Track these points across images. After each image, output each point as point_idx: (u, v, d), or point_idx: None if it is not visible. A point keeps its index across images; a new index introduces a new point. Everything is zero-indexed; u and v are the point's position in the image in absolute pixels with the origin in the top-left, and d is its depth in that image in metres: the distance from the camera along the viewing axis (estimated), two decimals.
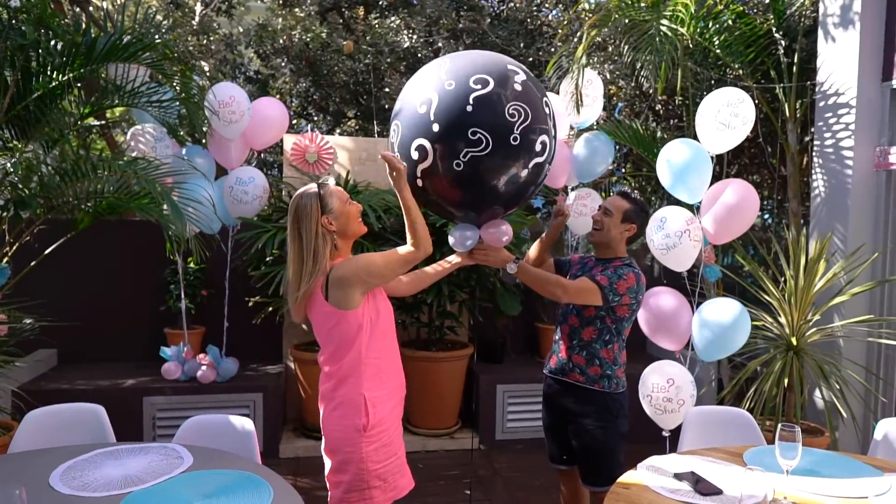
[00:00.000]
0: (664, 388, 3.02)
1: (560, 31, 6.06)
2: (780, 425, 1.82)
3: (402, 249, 2.04)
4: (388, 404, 2.06)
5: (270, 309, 4.36)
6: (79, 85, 3.58)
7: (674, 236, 3.05)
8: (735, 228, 3.09)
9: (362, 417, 1.98)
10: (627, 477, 2.01)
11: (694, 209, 3.24)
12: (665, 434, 3.10)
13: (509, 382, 4.53)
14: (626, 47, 4.39)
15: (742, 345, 3.05)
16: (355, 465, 1.99)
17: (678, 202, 3.32)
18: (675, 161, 3.17)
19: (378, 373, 2.04)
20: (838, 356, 3.84)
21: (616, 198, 2.61)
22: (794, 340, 3.53)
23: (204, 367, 4.11)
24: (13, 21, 3.20)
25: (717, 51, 4.29)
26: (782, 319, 3.61)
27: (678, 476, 1.99)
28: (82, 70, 3.39)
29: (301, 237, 2.01)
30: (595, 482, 2.52)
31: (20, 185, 3.33)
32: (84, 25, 3.60)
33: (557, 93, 4.12)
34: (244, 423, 2.43)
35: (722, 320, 2.99)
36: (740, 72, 4.35)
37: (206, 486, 1.83)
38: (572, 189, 4.53)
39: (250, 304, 4.41)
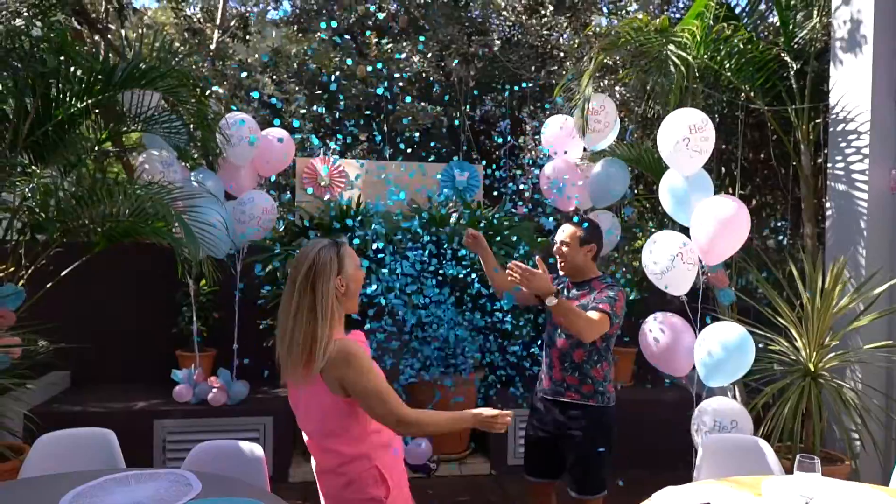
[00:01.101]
0: (734, 430, 3.02)
1: (570, 54, 6.11)
2: (798, 456, 1.78)
3: (398, 412, 1.81)
4: (398, 466, 1.98)
5: None
6: (97, 111, 3.65)
7: (665, 261, 3.03)
8: (725, 246, 3.03)
9: (381, 489, 1.87)
10: None
11: None
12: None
13: (520, 406, 4.47)
14: (636, 71, 4.42)
15: (746, 371, 3.02)
16: None
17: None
18: (673, 185, 3.19)
19: (384, 442, 1.92)
20: (857, 382, 3.77)
21: (567, 226, 2.72)
22: (811, 366, 3.47)
23: (215, 390, 4.10)
24: (34, 49, 3.29)
25: (729, 74, 4.30)
26: (798, 344, 3.55)
27: None
28: (101, 97, 3.46)
29: (316, 294, 1.80)
30: (587, 491, 2.64)
31: (37, 210, 3.38)
32: (103, 53, 3.69)
33: (571, 114, 4.14)
34: (253, 449, 2.43)
35: (724, 347, 2.96)
36: (752, 94, 4.34)
37: None
38: (584, 212, 4.52)
39: (261, 326, 4.41)
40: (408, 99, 5.33)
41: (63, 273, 3.61)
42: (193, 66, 5.98)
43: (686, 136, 3.05)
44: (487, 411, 1.92)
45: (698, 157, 3.07)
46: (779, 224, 5.98)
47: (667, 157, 3.14)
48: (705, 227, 2.97)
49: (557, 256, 2.71)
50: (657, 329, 3.13)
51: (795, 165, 4.41)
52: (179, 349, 4.53)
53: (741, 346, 2.95)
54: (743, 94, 4.52)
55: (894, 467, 2.44)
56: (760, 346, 3.62)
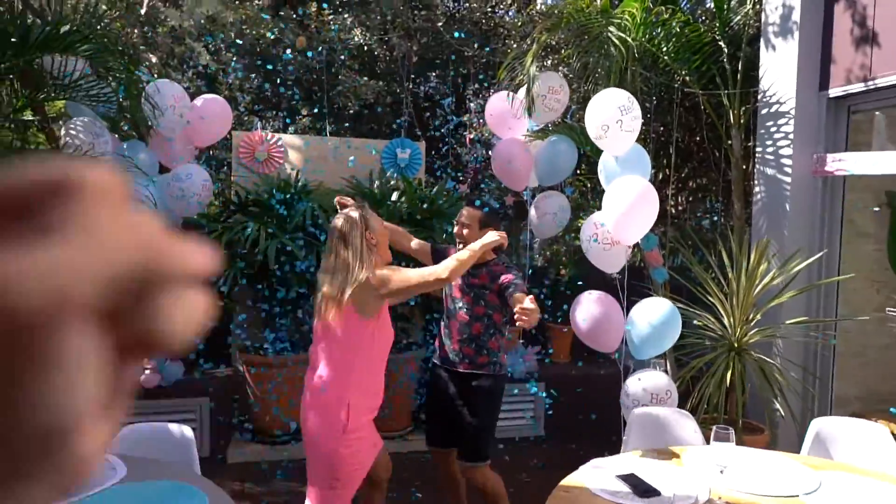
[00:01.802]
0: (663, 400, 3.11)
1: (514, 32, 6.09)
2: (714, 427, 1.87)
3: (432, 271, 2.32)
4: (366, 416, 2.34)
5: (217, 310, 4.25)
6: (11, 76, 3.40)
7: (585, 241, 3.12)
8: (635, 225, 3.10)
9: (342, 420, 2.24)
10: (569, 480, 2.02)
11: None
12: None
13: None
14: (577, 51, 4.45)
15: (674, 343, 3.14)
16: (331, 466, 2.25)
17: None
18: (608, 164, 3.26)
19: (366, 386, 2.31)
20: (777, 356, 3.97)
21: (469, 209, 2.87)
22: (735, 341, 3.63)
23: (147, 371, 3.98)
24: None
25: (666, 57, 4.38)
26: (725, 321, 3.71)
27: (620, 478, 2.01)
28: (15, 61, 3.23)
29: (350, 246, 2.30)
30: (476, 459, 2.80)
31: None
32: (20, 10, 3.44)
33: (516, 91, 4.14)
34: (184, 431, 2.37)
35: (652, 320, 3.08)
36: (687, 78, 4.45)
37: (137, 497, 1.77)
38: (531, 191, 4.56)
39: None
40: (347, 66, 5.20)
41: None
42: (123, 32, 5.66)
43: (618, 119, 3.10)
44: (488, 237, 2.51)
45: (616, 142, 3.13)
46: (715, 205, 6.20)
47: (594, 138, 3.21)
48: (614, 207, 3.05)
49: (457, 237, 2.85)
50: (585, 307, 3.21)
51: (726, 148, 4.57)
52: None
53: (669, 319, 3.07)
54: (679, 77, 4.63)
55: (805, 436, 2.59)
56: (695, 322, 3.77)
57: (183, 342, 0.25)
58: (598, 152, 4.47)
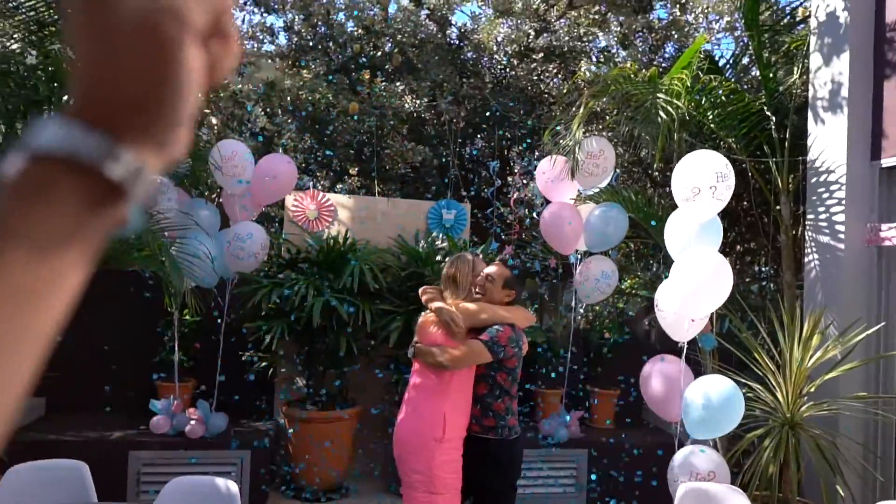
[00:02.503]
0: (703, 479, 3.00)
1: (560, 100, 6.25)
2: None
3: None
4: (460, 430, 2.62)
5: (263, 364, 4.33)
6: None
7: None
8: (705, 302, 3.04)
9: (439, 431, 2.52)
10: None
11: None
12: None
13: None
14: (623, 118, 4.53)
15: (734, 426, 3.00)
16: (429, 472, 2.51)
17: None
18: (679, 231, 3.20)
19: (462, 402, 2.62)
20: (835, 432, 3.79)
21: (498, 266, 2.85)
22: (789, 415, 3.49)
23: (193, 422, 4.04)
24: (27, 77, 3.32)
25: (712, 125, 4.42)
26: (778, 393, 3.58)
27: None
28: None
29: (458, 284, 2.74)
30: None
31: None
32: None
33: (565, 155, 4.20)
34: (229, 486, 2.40)
35: (712, 401, 2.94)
36: (734, 145, 4.46)
37: None
38: (580, 256, 4.58)
39: (243, 357, 4.38)
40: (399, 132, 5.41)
41: None
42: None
43: (712, 185, 3.00)
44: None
45: (703, 207, 3.06)
46: (761, 270, 6.07)
47: (680, 199, 3.12)
48: (681, 281, 3.01)
49: (478, 287, 2.80)
50: (655, 373, 3.15)
51: (775, 215, 4.51)
52: (159, 378, 4.47)
53: (728, 403, 2.93)
54: (724, 144, 4.64)
55: None
56: (745, 392, 3.64)
57: (224, 76, 0.41)
58: (645, 216, 4.48)
